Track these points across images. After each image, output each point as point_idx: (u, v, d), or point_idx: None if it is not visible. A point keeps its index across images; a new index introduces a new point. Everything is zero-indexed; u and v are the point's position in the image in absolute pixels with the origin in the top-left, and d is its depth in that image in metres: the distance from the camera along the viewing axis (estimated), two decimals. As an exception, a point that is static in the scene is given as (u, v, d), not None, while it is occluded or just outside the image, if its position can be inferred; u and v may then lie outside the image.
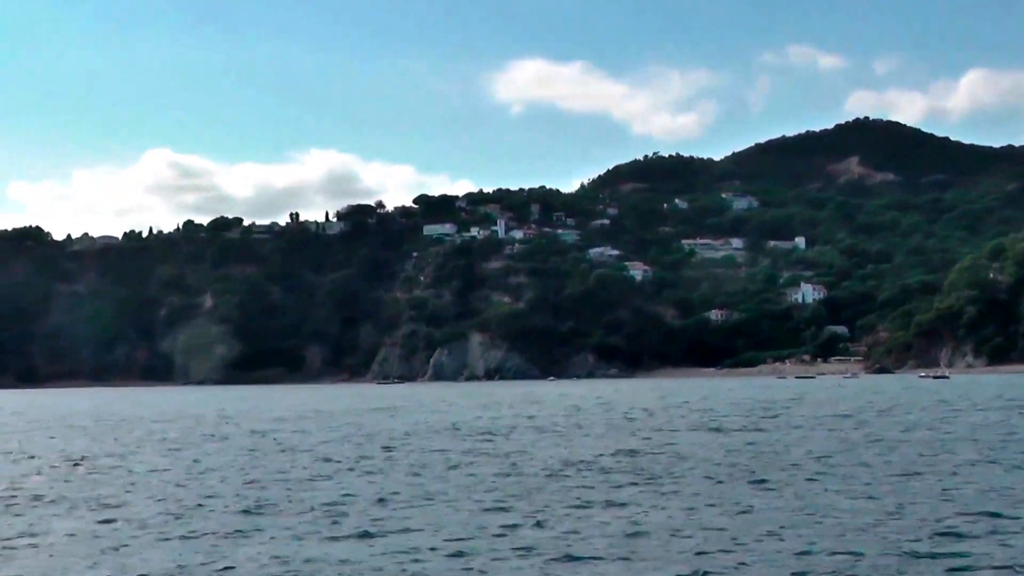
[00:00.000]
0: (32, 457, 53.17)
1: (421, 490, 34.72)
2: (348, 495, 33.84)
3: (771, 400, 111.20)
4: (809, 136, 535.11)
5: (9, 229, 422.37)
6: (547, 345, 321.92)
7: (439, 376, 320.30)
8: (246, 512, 30.42)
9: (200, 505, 32.12)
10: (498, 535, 25.77)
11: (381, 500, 32.45)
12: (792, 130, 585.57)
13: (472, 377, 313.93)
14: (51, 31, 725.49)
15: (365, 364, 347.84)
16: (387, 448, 53.96)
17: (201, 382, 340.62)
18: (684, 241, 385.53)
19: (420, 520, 28.05)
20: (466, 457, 47.29)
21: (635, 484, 35.27)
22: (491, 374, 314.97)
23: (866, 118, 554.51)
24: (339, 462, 45.87)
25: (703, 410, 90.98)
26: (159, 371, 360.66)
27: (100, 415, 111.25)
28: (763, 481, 35.41)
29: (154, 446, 59.88)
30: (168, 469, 44.35)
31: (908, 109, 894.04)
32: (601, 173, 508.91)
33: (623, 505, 30.39)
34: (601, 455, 46.43)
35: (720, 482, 35.52)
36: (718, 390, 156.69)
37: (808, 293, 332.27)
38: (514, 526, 27.04)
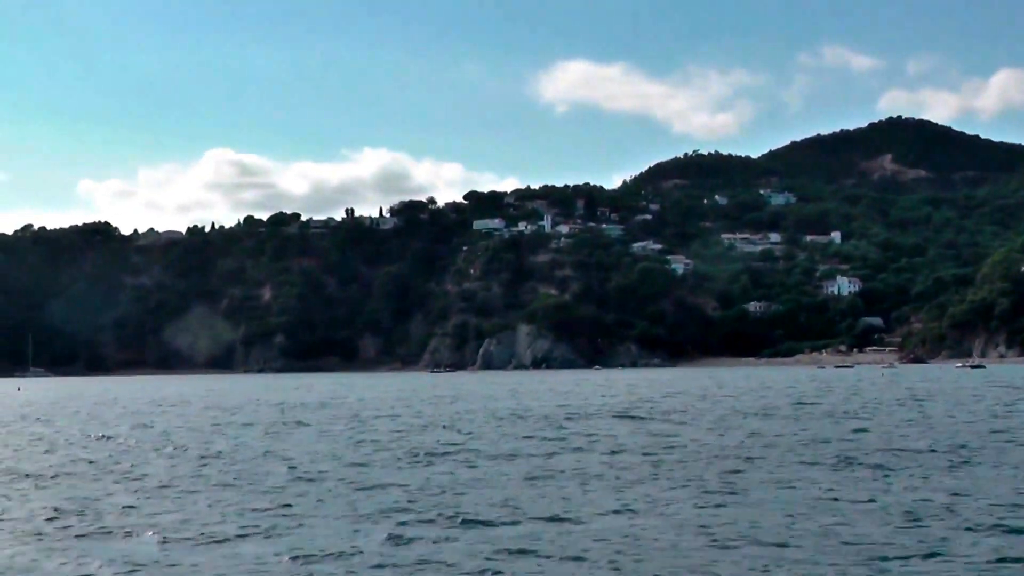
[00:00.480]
0: (178, 448, 52.50)
1: (580, 473, 34.11)
2: (504, 474, 33.67)
3: (832, 387, 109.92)
4: (844, 134, 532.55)
5: (79, 224, 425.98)
6: (592, 335, 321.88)
7: (488, 365, 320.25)
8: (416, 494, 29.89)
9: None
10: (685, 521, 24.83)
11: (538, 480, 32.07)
12: (827, 128, 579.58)
13: (520, 366, 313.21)
14: (117, 36, 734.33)
15: (417, 353, 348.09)
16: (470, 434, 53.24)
17: (260, 370, 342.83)
18: (724, 235, 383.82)
19: (605, 504, 27.44)
20: (576, 441, 46.64)
21: (775, 467, 34.45)
22: (538, 363, 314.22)
23: (899, 117, 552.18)
24: (458, 448, 44.76)
25: (768, 397, 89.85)
26: (221, 359, 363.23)
27: (201, 401, 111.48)
28: (880, 467, 34.43)
29: (274, 432, 58.90)
30: (303, 454, 43.59)
31: (940, 108, 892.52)
32: (643, 170, 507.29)
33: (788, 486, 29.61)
34: (709, 440, 45.51)
35: (847, 467, 34.62)
36: (768, 378, 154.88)
37: (844, 285, 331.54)
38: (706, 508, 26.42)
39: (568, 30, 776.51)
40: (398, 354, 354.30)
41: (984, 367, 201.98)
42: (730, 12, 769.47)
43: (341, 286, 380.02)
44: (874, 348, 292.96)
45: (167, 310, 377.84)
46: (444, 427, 59.41)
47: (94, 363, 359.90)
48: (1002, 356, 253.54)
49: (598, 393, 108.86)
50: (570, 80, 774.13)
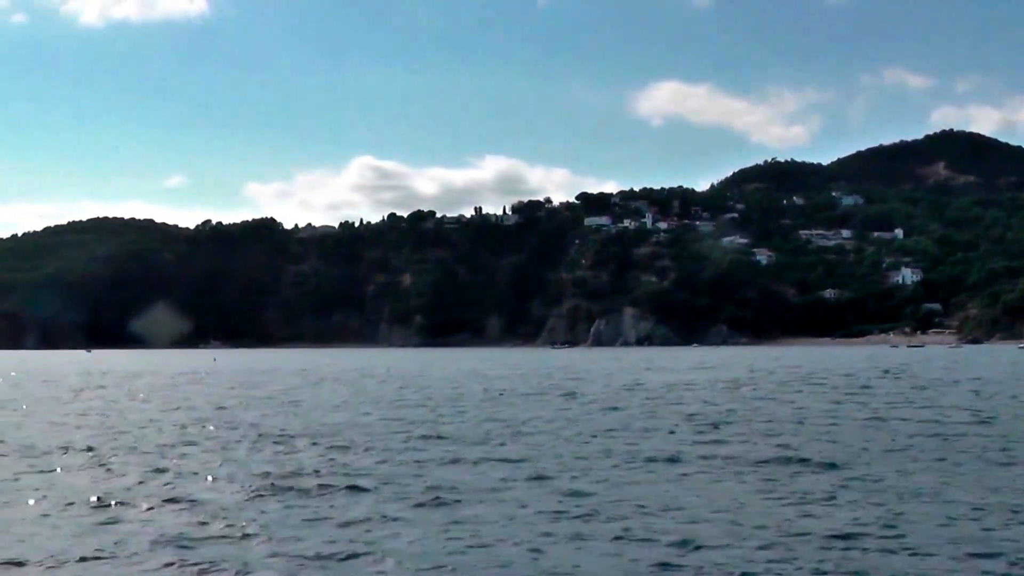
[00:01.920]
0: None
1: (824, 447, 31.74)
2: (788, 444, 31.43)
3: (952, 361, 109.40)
4: (902, 145, 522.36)
5: (248, 220, 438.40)
6: (687, 318, 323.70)
7: (598, 342, 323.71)
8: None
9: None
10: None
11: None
12: (887, 139, 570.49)
13: (625, 344, 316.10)
14: (280, 60, 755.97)
15: (535, 332, 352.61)
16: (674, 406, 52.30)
17: (401, 345, 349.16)
18: (801, 232, 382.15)
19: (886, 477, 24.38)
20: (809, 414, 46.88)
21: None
22: (641, 341, 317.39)
23: (950, 129, 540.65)
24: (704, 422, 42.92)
25: (905, 375, 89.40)
26: (367, 335, 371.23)
27: (406, 377, 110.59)
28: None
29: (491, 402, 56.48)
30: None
31: (985, 121, 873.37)
32: (728, 175, 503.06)
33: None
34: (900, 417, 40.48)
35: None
36: (866, 356, 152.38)
37: (907, 276, 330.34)
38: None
39: (661, 56, 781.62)
40: (519, 332, 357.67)
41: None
42: (801, 39, 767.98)
43: (470, 273, 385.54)
44: (935, 331, 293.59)
45: (323, 293, 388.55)
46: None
47: (261, 338, 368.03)
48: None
49: (746, 369, 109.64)
50: (663, 98, 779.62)
